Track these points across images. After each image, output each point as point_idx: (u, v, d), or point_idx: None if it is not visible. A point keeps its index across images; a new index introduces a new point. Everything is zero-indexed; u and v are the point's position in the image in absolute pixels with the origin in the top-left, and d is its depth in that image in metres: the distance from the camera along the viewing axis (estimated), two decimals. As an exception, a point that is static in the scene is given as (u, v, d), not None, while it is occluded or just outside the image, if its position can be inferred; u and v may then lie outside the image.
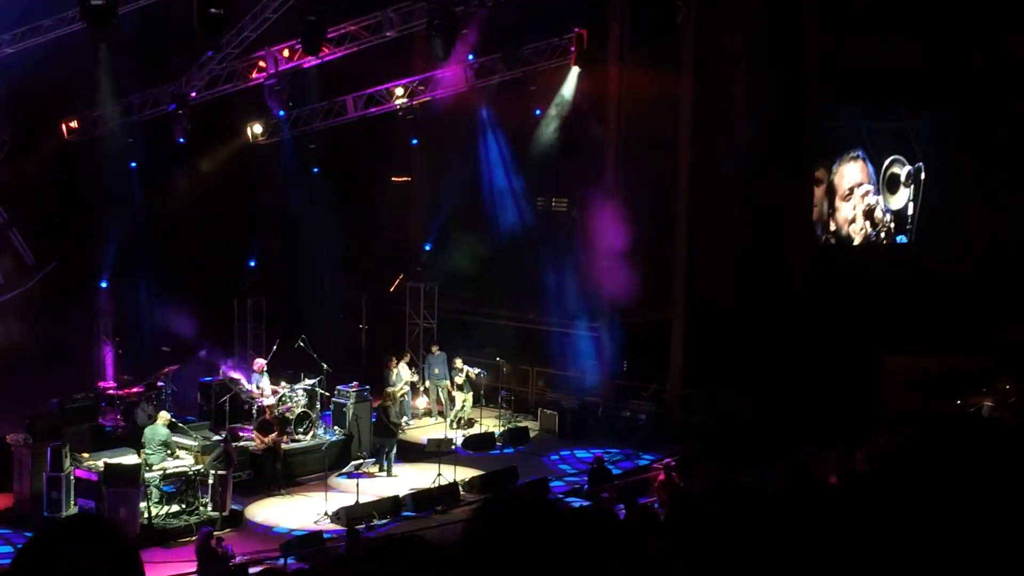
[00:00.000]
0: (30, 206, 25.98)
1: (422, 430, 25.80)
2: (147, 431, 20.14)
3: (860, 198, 29.67)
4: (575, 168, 29.04)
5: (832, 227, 29.39)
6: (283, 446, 21.49)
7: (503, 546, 3.20)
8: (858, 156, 29.69)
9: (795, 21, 27.93)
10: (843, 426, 21.72)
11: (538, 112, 28.83)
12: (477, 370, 26.22)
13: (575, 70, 26.95)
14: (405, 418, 25.59)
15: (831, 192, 29.27)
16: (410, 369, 26.07)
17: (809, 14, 28.11)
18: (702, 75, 26.20)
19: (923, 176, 30.37)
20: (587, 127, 28.20)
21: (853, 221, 29.60)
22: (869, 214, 29.88)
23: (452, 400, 26.25)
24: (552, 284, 28.98)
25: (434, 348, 26.87)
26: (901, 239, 30.79)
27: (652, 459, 23.58)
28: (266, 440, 21.11)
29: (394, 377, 25.27)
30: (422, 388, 26.91)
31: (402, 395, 25.37)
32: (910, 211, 30.53)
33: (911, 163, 30.15)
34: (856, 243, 29.76)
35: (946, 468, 2.55)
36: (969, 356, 25.97)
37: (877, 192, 29.89)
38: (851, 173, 29.60)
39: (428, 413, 26.94)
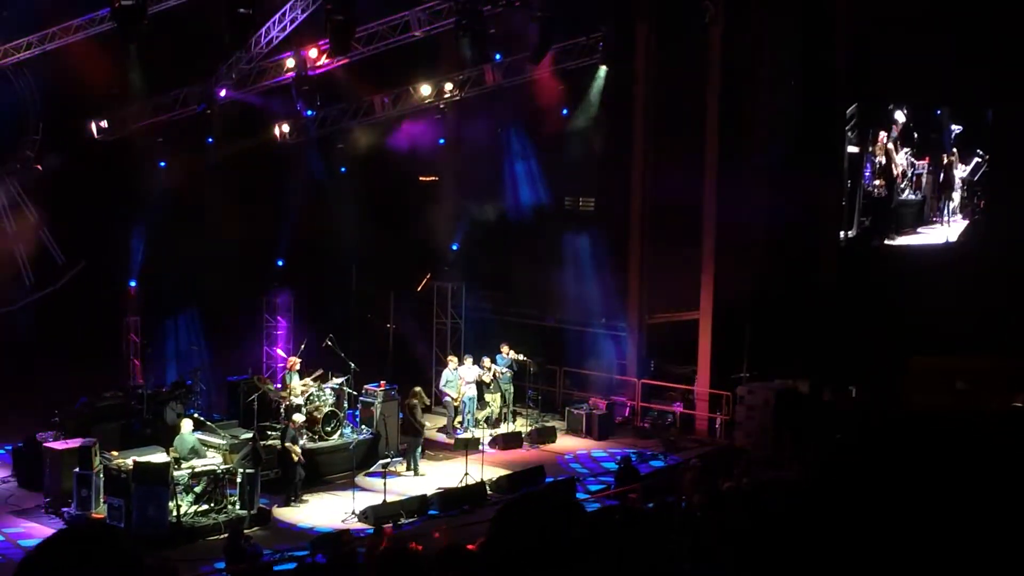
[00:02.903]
0: (60, 205, 26.11)
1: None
2: (177, 443, 20.12)
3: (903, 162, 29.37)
4: (603, 167, 29.00)
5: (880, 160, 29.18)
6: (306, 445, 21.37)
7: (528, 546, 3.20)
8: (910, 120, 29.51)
9: (825, 16, 27.86)
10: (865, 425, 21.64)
11: (566, 111, 28.80)
12: (504, 367, 26.21)
13: (603, 69, 26.92)
14: (459, 418, 25.62)
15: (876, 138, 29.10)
16: (480, 367, 26.03)
17: (839, 9, 28.04)
18: (730, 72, 26.14)
19: (966, 175, 30.15)
20: (614, 126, 28.14)
21: (898, 169, 29.39)
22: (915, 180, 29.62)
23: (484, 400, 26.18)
24: (579, 284, 28.95)
25: (504, 348, 26.72)
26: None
27: (679, 459, 23.57)
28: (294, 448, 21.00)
29: (449, 376, 25.50)
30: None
31: (457, 399, 25.42)
32: (956, 199, 30.27)
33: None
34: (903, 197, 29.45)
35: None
36: (1002, 359, 25.80)
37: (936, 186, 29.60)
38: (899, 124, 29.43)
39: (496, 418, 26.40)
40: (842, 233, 29.24)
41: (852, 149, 29.18)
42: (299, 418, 21.62)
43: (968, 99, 29.38)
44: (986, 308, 26.84)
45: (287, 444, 20.78)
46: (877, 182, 29.26)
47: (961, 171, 30.01)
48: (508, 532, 3.28)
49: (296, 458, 20.74)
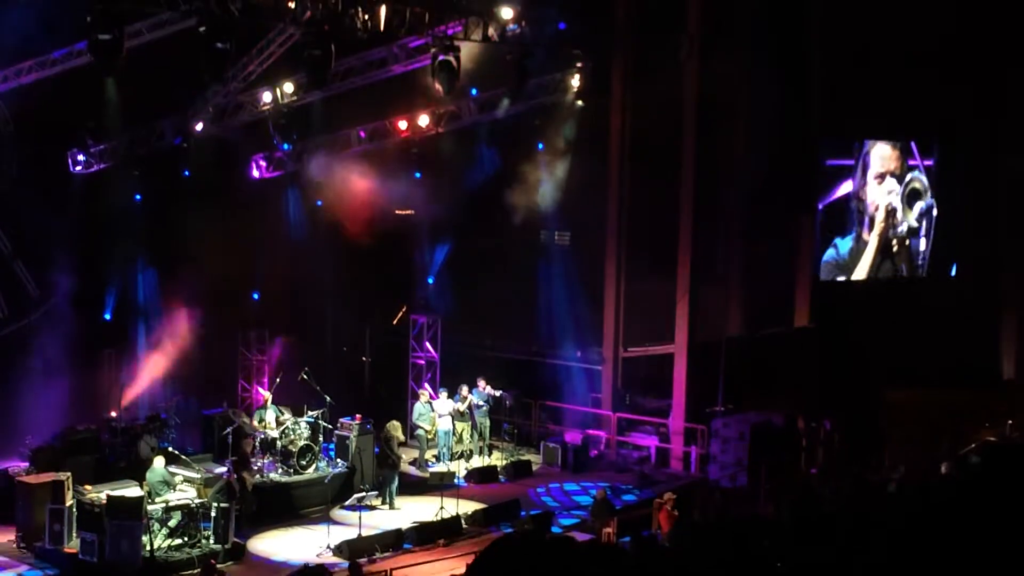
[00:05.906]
0: (34, 237, 26.00)
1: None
2: (148, 476, 20.07)
3: (887, 194, 29.59)
4: (578, 201, 29.06)
5: (862, 197, 29.41)
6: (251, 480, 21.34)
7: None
8: (896, 145, 29.70)
9: (799, 56, 28.10)
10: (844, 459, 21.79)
11: (541, 146, 28.86)
12: (481, 400, 26.24)
13: (578, 104, 27.05)
14: (432, 452, 25.56)
15: (864, 167, 29.28)
16: (458, 397, 26.05)
17: (813, 49, 28.31)
18: (705, 108, 26.28)
19: (935, 213, 30.41)
20: (590, 159, 28.23)
21: (877, 209, 29.56)
22: (891, 215, 29.79)
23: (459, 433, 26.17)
24: (555, 317, 28.99)
25: (481, 383, 26.72)
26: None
27: (653, 493, 23.55)
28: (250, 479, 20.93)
29: (421, 410, 25.46)
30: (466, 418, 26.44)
31: (431, 431, 25.37)
32: (923, 247, 30.52)
33: (923, 199, 30.26)
34: (875, 239, 29.64)
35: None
36: (974, 392, 26.01)
37: (901, 200, 29.84)
38: (886, 157, 29.61)
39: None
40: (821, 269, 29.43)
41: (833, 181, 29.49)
42: (247, 444, 21.64)
43: (927, 138, 29.79)
44: (961, 341, 27.04)
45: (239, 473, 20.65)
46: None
47: (923, 206, 30.34)
48: (493, 568, 3.33)
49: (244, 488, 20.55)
